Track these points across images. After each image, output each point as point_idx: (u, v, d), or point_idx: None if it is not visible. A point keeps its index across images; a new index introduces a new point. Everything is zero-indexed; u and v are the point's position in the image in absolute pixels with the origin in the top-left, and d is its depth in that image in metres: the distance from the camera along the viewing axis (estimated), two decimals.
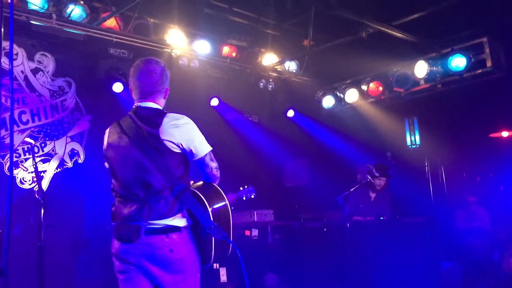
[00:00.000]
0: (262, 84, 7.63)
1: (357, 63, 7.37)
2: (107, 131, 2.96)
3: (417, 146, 8.23)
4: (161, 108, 2.90)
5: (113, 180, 2.87)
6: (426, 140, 8.09)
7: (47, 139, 5.82)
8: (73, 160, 6.00)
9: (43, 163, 5.75)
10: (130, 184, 2.75)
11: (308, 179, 8.51)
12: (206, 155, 2.82)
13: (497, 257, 7.02)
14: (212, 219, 2.76)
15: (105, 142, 2.93)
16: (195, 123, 2.86)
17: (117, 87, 6.11)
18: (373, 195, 6.72)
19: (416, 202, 7.29)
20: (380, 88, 7.80)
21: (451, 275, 6.45)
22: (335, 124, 8.42)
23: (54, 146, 5.87)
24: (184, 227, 2.72)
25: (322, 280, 6.17)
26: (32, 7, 5.47)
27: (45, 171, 5.75)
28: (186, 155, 2.78)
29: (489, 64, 6.59)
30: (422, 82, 7.24)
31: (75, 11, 5.71)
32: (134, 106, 2.91)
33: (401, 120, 8.27)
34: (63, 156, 5.92)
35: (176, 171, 2.73)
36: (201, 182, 2.97)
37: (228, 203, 2.96)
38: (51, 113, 5.87)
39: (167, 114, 2.80)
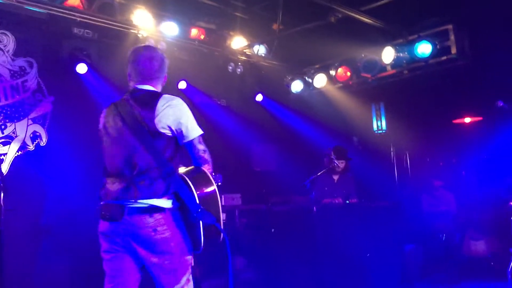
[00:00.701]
0: (230, 67, 7.56)
1: (326, 48, 7.38)
2: (104, 111, 3.00)
3: (383, 131, 8.34)
4: (157, 91, 2.97)
5: (104, 160, 2.91)
6: (392, 125, 8.22)
7: (7, 121, 5.62)
8: (35, 143, 5.82)
9: (3, 145, 5.56)
10: (118, 164, 2.78)
11: (276, 163, 8.55)
12: (195, 138, 2.86)
13: (458, 240, 7.24)
14: (198, 203, 2.74)
15: (101, 123, 2.97)
16: None
17: (81, 68, 5.93)
18: (336, 177, 6.78)
19: (381, 186, 7.43)
20: (348, 73, 7.85)
21: (413, 256, 6.63)
22: (303, 108, 8.45)
23: (14, 129, 5.67)
24: (168, 208, 2.72)
25: (289, 263, 6.24)
26: None
27: (5, 154, 5.56)
28: (177, 137, 2.82)
29: (453, 51, 6.72)
30: (389, 68, 7.32)
31: None
32: (130, 88, 2.96)
33: (368, 106, 8.36)
34: (25, 138, 5.74)
35: (165, 153, 2.77)
36: (191, 167, 2.96)
37: (216, 188, 2.92)
38: (11, 94, 5.66)
39: (163, 96, 2.87)
